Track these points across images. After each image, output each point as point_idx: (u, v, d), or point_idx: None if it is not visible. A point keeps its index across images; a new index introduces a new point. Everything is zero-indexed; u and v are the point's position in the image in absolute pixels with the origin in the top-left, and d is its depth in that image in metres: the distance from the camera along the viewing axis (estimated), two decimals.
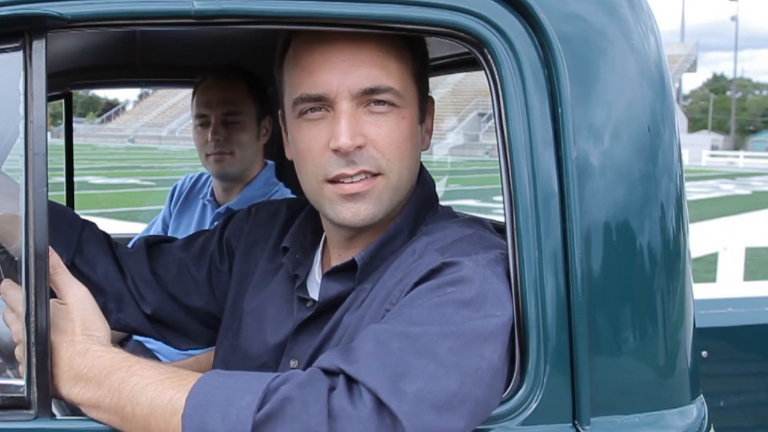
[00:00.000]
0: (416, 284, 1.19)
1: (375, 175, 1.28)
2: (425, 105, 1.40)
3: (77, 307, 1.20)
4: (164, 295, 1.61)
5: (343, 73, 1.26)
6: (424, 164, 1.44)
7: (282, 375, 1.09)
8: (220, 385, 1.08)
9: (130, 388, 1.10)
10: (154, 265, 1.62)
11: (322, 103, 1.28)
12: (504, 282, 1.21)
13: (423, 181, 1.41)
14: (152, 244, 1.66)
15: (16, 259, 1.22)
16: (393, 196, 1.31)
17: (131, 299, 1.59)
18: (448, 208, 1.46)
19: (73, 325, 1.19)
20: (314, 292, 1.42)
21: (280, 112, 1.43)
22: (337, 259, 1.41)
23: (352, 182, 1.27)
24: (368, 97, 1.27)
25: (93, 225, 1.63)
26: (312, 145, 1.29)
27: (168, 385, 1.10)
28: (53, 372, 1.15)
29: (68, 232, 1.56)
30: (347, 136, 1.24)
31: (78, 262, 1.55)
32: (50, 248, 1.14)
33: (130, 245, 1.70)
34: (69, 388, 1.15)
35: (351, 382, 1.07)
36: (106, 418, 1.13)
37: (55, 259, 1.19)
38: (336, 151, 1.25)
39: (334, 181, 1.28)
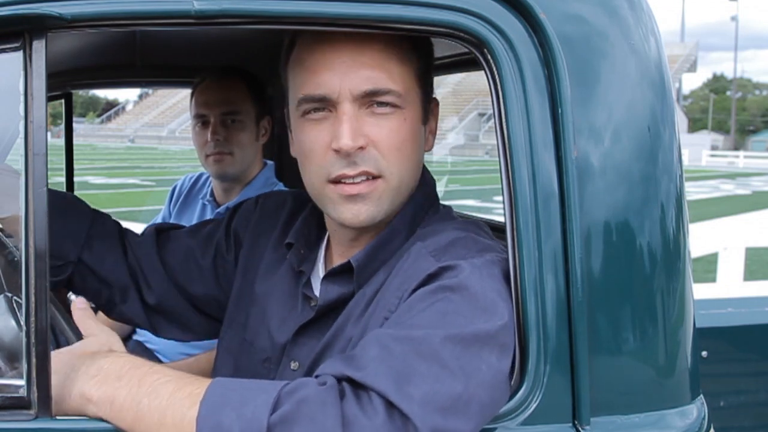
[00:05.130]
0: (414, 290, 1.20)
1: (375, 177, 1.28)
2: (429, 106, 1.39)
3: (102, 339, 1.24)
4: (170, 282, 1.62)
5: (344, 75, 1.26)
6: (425, 164, 1.44)
7: (295, 381, 1.09)
8: (235, 387, 1.09)
9: (151, 382, 1.11)
10: (162, 252, 1.63)
11: (324, 103, 1.28)
12: (501, 283, 1.21)
13: (423, 182, 1.40)
14: (161, 231, 1.67)
15: (16, 258, 1.22)
16: (394, 197, 1.31)
17: (136, 292, 1.62)
18: (449, 209, 1.45)
19: (99, 345, 1.22)
20: (318, 290, 1.42)
21: (285, 110, 1.43)
22: (339, 258, 1.41)
23: (353, 183, 1.27)
24: (370, 98, 1.27)
25: (103, 216, 1.64)
26: (314, 145, 1.29)
27: (188, 381, 1.12)
28: (70, 377, 1.16)
29: (77, 225, 1.58)
30: (349, 137, 1.24)
31: (85, 257, 1.57)
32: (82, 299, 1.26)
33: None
34: (84, 383, 1.14)
35: (358, 388, 1.07)
36: (116, 416, 1.11)
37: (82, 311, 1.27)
38: (338, 151, 1.26)
39: (335, 181, 1.28)
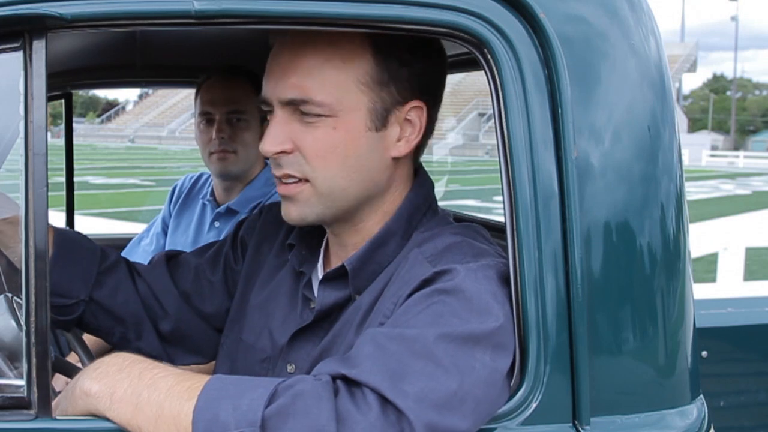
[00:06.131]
0: (410, 295, 1.20)
1: (304, 180, 1.31)
2: (391, 111, 1.30)
3: None
4: (184, 304, 1.62)
5: (276, 81, 1.30)
6: (424, 165, 1.44)
7: (291, 378, 1.10)
8: (233, 381, 1.11)
9: (151, 376, 1.13)
10: (174, 276, 1.63)
11: (270, 106, 1.32)
12: (497, 286, 1.21)
13: (419, 183, 1.40)
14: (171, 257, 1.68)
15: (15, 259, 1.22)
16: (326, 201, 1.32)
17: (150, 324, 1.60)
18: (447, 212, 1.45)
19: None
20: (317, 292, 1.43)
21: None
22: (336, 258, 1.42)
23: (284, 183, 1.32)
24: (294, 106, 1.29)
25: (109, 251, 1.63)
26: None
27: (188, 377, 1.13)
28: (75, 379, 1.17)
29: (87, 265, 1.56)
30: (269, 142, 1.29)
31: (96, 295, 1.55)
32: None
33: (136, 245, 1.71)
34: (86, 378, 1.16)
35: (353, 385, 1.08)
36: (115, 411, 1.12)
37: None
38: None
39: (277, 180, 1.34)
